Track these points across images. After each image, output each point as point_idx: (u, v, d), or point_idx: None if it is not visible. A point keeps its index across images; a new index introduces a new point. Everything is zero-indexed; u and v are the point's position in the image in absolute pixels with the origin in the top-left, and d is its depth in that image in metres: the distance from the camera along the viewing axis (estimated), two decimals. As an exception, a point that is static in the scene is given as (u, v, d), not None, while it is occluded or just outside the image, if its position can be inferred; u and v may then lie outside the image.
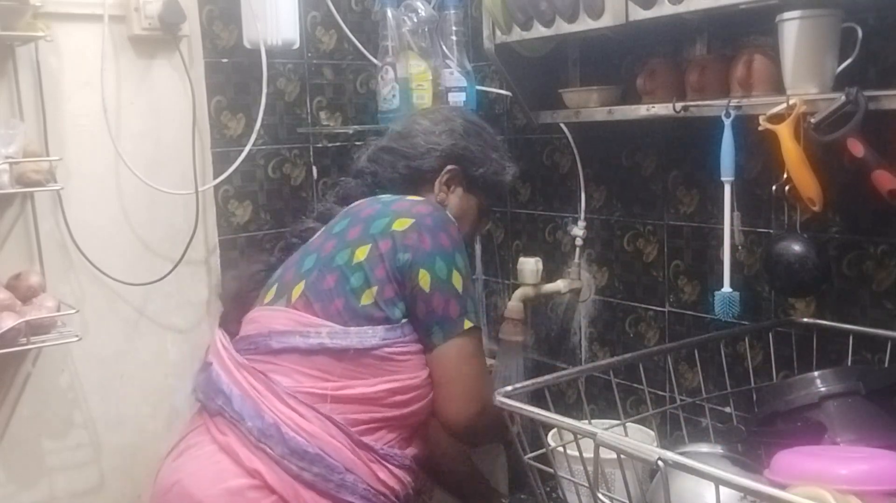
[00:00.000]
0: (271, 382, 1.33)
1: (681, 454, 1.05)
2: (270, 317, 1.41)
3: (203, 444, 1.34)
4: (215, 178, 1.88)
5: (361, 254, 1.37)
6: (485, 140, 1.60)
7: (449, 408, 1.37)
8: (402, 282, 1.35)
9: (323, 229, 1.50)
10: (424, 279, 1.34)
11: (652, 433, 1.53)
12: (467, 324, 1.36)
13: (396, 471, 1.37)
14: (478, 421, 1.37)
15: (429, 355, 1.37)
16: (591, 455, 1.10)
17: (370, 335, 1.33)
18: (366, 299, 1.35)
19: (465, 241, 1.52)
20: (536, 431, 1.26)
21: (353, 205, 1.51)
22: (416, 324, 1.37)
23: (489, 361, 1.78)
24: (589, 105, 1.71)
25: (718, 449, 1.35)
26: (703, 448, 1.37)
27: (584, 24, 1.54)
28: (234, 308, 1.53)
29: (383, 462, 1.35)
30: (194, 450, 1.35)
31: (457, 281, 1.36)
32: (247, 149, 1.88)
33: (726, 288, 1.48)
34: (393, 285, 1.35)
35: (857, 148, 1.26)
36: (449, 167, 1.54)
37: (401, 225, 1.37)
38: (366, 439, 1.33)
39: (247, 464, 1.28)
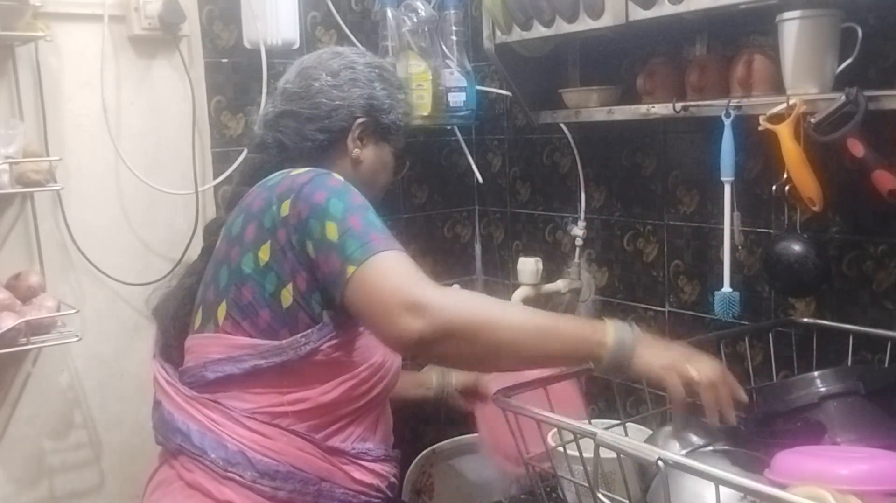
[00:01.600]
0: (226, 409, 1.27)
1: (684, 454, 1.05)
2: (203, 345, 1.33)
3: (172, 481, 1.31)
4: (215, 178, 1.88)
5: (265, 254, 1.26)
6: (389, 82, 1.46)
7: (384, 339, 1.21)
8: (306, 267, 1.24)
9: (223, 231, 1.36)
10: (310, 248, 1.22)
11: (652, 433, 1.52)
12: (350, 270, 1.18)
13: (372, 465, 1.34)
14: (411, 330, 1.14)
15: (344, 311, 1.24)
16: (591, 455, 1.10)
17: (303, 343, 1.25)
18: (286, 300, 1.26)
19: (384, 191, 1.46)
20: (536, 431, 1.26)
21: (244, 196, 1.36)
22: (326, 296, 1.25)
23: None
24: (589, 105, 1.71)
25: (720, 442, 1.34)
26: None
27: (584, 24, 1.54)
28: (172, 328, 1.42)
29: (356, 461, 1.32)
30: (165, 486, 1.32)
31: (330, 231, 1.20)
32: (247, 149, 1.88)
33: (726, 288, 1.48)
34: (302, 275, 1.25)
35: (857, 148, 1.26)
36: (359, 121, 1.40)
37: (285, 208, 1.25)
38: (334, 443, 1.30)
39: (218, 497, 1.25)
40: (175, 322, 1.42)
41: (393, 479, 1.39)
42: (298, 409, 1.28)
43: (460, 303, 1.17)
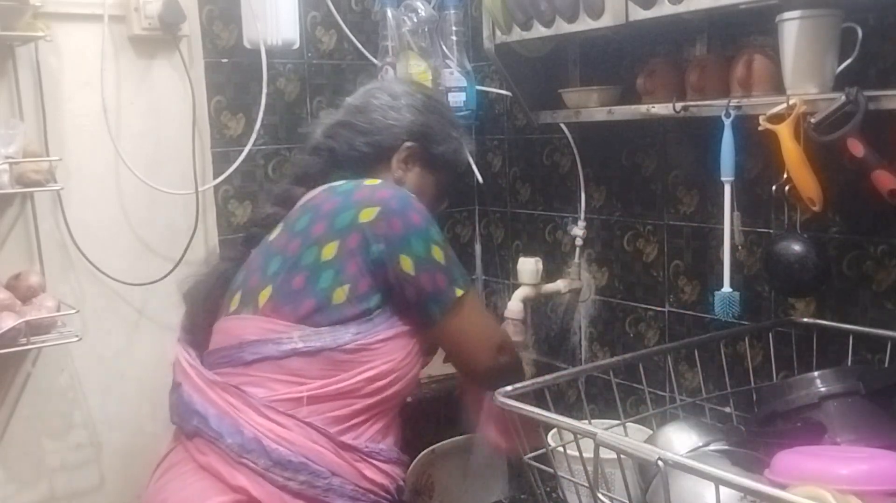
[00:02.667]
0: (246, 395, 1.30)
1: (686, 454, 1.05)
2: (240, 326, 1.37)
3: (185, 463, 1.32)
4: (215, 178, 1.88)
5: (329, 251, 1.32)
6: (445, 117, 1.55)
7: (470, 367, 1.42)
8: (377, 275, 1.32)
9: (282, 226, 1.44)
10: (407, 263, 1.32)
11: (652, 433, 1.52)
12: (459, 293, 1.35)
13: (383, 466, 1.35)
14: (498, 365, 1.41)
15: (432, 331, 1.37)
16: (591, 455, 1.10)
17: (342, 332, 1.31)
18: (337, 298, 1.31)
19: None
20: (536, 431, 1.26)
21: (310, 197, 1.44)
22: (407, 308, 1.35)
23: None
24: (589, 105, 1.71)
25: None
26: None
27: (584, 24, 1.54)
28: (202, 311, 1.47)
29: (368, 460, 1.33)
30: (176, 468, 1.33)
31: (437, 254, 1.34)
32: (247, 149, 1.88)
33: (726, 288, 1.48)
34: (367, 279, 1.32)
35: (857, 148, 1.26)
36: (408, 144, 1.48)
37: (367, 215, 1.32)
38: (347, 439, 1.31)
39: (230, 482, 1.26)
40: (206, 303, 1.47)
41: (401, 482, 1.41)
42: (315, 395, 1.30)
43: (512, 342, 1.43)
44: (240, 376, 1.32)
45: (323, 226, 1.35)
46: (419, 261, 1.32)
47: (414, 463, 1.75)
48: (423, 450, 1.79)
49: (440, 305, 1.34)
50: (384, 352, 1.34)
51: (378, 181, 1.42)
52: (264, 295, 1.35)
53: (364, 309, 1.32)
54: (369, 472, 1.33)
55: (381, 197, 1.35)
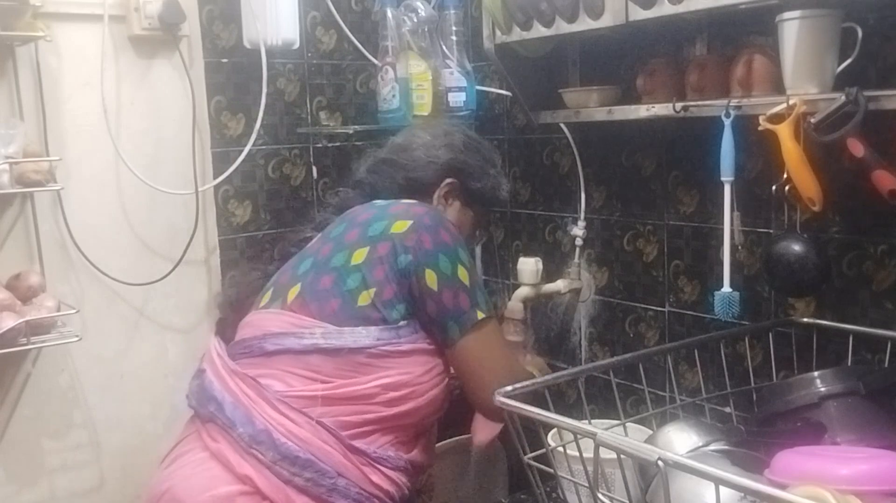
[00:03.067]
0: (262, 388, 1.32)
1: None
2: (266, 319, 1.41)
3: (195, 451, 1.34)
4: (215, 178, 1.88)
5: (359, 256, 1.37)
6: (483, 155, 1.61)
7: (482, 397, 1.37)
8: (403, 284, 1.35)
9: (319, 235, 1.50)
10: (431, 278, 1.34)
11: (652, 433, 1.52)
12: (480, 315, 1.36)
13: (390, 473, 1.36)
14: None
15: (449, 351, 1.38)
16: (591, 455, 1.10)
17: (364, 335, 1.33)
18: (363, 300, 1.34)
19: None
20: (536, 431, 1.26)
21: (349, 210, 1.51)
22: (429, 324, 1.37)
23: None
24: (589, 105, 1.71)
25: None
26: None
27: (584, 24, 1.54)
28: (231, 313, 1.53)
29: (376, 465, 1.34)
30: (186, 456, 1.35)
31: (463, 275, 1.36)
32: (247, 149, 1.88)
33: (726, 288, 1.48)
34: (392, 286, 1.35)
35: (857, 148, 1.26)
36: (448, 180, 1.55)
37: (399, 227, 1.37)
38: (357, 443, 1.32)
39: (237, 470, 1.27)
40: (234, 308, 1.53)
41: (406, 491, 1.41)
42: (329, 396, 1.32)
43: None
44: (259, 367, 1.35)
45: (356, 233, 1.40)
46: (444, 277, 1.34)
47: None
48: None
49: (460, 324, 1.35)
50: (402, 363, 1.35)
51: (415, 201, 1.48)
52: (293, 292, 1.39)
53: (387, 315, 1.34)
54: (376, 478, 1.33)
55: (416, 212, 1.40)
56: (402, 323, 1.35)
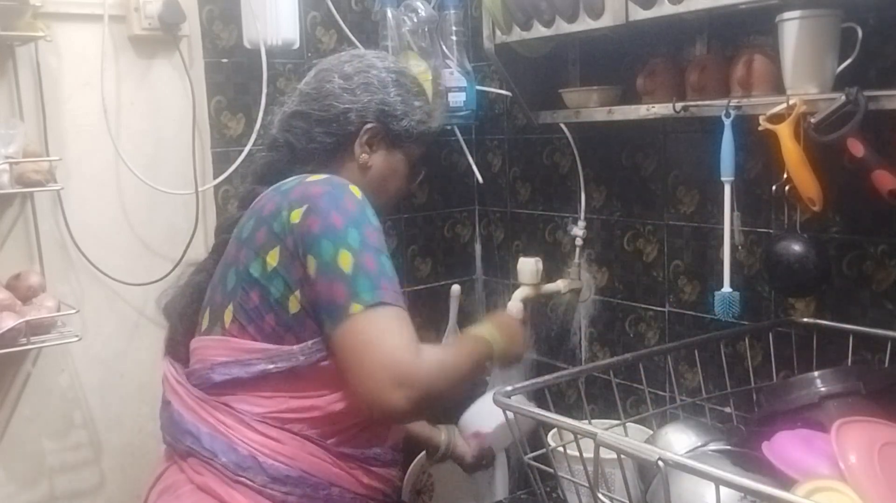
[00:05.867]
0: (236, 412, 1.25)
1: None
2: (209, 347, 1.31)
3: (182, 484, 1.28)
4: (215, 178, 1.88)
5: (273, 259, 1.24)
6: (406, 87, 1.42)
7: (365, 400, 1.19)
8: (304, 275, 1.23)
9: (234, 233, 1.34)
10: (311, 265, 1.20)
11: (652, 433, 1.53)
12: (355, 308, 1.17)
13: (379, 470, 1.33)
14: (405, 405, 1.16)
15: (329, 345, 1.23)
16: (591, 455, 1.10)
17: (313, 350, 1.23)
18: (293, 306, 1.23)
19: (398, 198, 1.44)
20: (536, 431, 1.26)
21: (257, 200, 1.34)
22: (313, 316, 1.23)
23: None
24: (589, 105, 1.71)
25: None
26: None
27: (584, 24, 1.54)
28: (180, 327, 1.41)
29: (365, 466, 1.31)
30: (174, 490, 1.29)
31: (344, 261, 1.19)
32: (247, 149, 1.88)
33: (726, 288, 1.48)
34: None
35: (857, 148, 1.26)
36: (367, 126, 1.37)
37: (296, 216, 1.23)
38: (344, 449, 1.28)
39: (228, 501, 1.23)
40: (182, 319, 1.41)
41: (398, 483, 1.40)
42: (309, 417, 1.26)
43: (438, 372, 1.20)
44: (223, 395, 1.28)
45: (264, 231, 1.27)
46: (321, 265, 1.20)
47: (414, 463, 1.75)
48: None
49: (332, 317, 1.19)
50: None
51: (323, 176, 1.31)
52: (228, 314, 1.29)
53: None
54: (367, 479, 1.31)
55: (312, 193, 1.25)
56: None
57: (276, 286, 1.24)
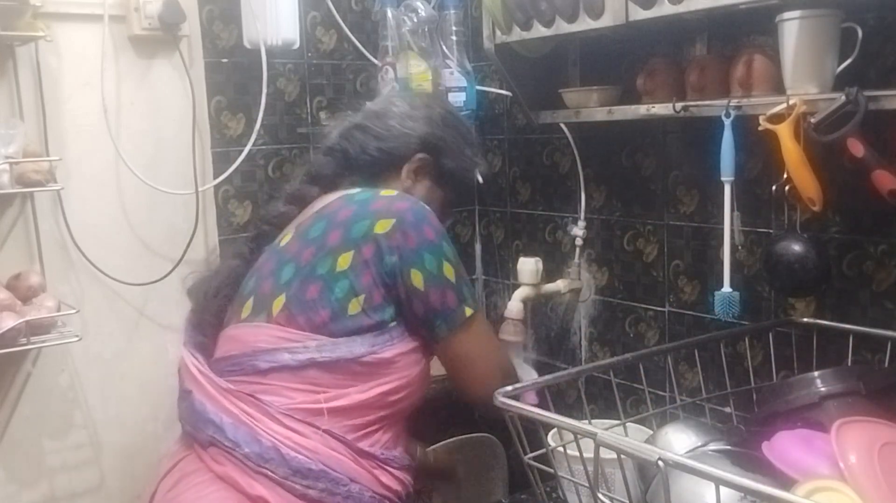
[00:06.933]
0: (262, 404, 1.28)
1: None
2: (253, 334, 1.34)
3: (200, 472, 1.29)
4: (215, 178, 1.88)
5: (344, 261, 1.31)
6: (461, 134, 1.53)
7: (473, 390, 1.37)
8: (390, 286, 1.32)
9: (295, 232, 1.41)
10: (417, 278, 1.31)
11: (652, 433, 1.52)
12: (468, 312, 1.34)
13: (397, 473, 1.36)
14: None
15: (437, 346, 1.36)
16: (591, 455, 1.10)
17: (359, 343, 1.30)
18: (353, 308, 1.30)
19: None
20: (536, 431, 1.26)
21: (324, 204, 1.42)
22: (416, 322, 1.34)
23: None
24: (589, 105, 1.71)
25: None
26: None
27: (584, 24, 1.54)
28: (212, 308, 1.44)
29: (385, 466, 1.34)
30: (191, 477, 1.30)
31: (448, 271, 1.33)
32: (247, 149, 1.88)
33: (726, 288, 1.48)
34: (380, 290, 1.31)
35: (857, 148, 1.26)
36: (420, 155, 1.47)
37: (382, 227, 1.31)
38: (364, 446, 1.31)
39: (249, 492, 1.24)
40: (216, 300, 1.44)
41: (410, 489, 1.41)
42: (334, 407, 1.29)
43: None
44: (254, 384, 1.30)
45: (338, 235, 1.33)
46: (429, 276, 1.31)
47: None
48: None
49: (448, 322, 1.33)
50: (400, 368, 1.33)
51: (395, 192, 1.41)
52: (278, 303, 1.33)
53: (379, 321, 1.31)
54: (385, 479, 1.33)
55: (399, 209, 1.34)
56: (391, 324, 1.33)
57: (340, 287, 1.31)
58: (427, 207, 1.39)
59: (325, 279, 1.31)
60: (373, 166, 1.47)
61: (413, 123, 1.48)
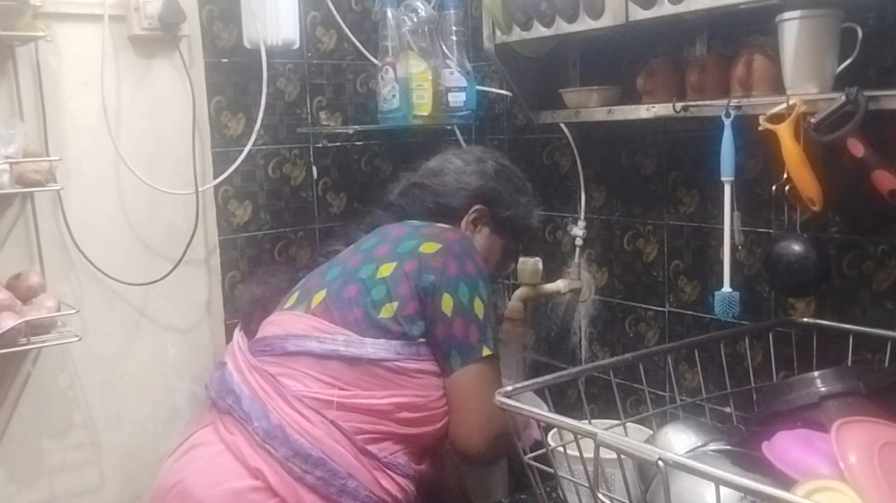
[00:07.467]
0: (280, 385, 1.35)
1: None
2: (289, 320, 1.44)
3: (210, 444, 1.36)
4: (215, 178, 1.88)
5: (386, 270, 1.39)
6: (514, 184, 1.64)
7: (463, 434, 1.39)
8: (423, 302, 1.37)
9: (353, 246, 1.54)
10: (447, 303, 1.36)
11: (652, 433, 1.52)
12: (485, 352, 1.37)
13: (399, 479, 1.37)
14: (492, 446, 1.39)
15: (446, 379, 1.39)
16: (591, 455, 1.10)
17: (385, 347, 1.35)
18: (385, 313, 1.37)
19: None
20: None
21: (383, 226, 1.55)
22: (434, 347, 1.38)
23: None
24: (589, 105, 1.71)
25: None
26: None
27: (584, 24, 1.54)
28: (254, 311, 1.57)
29: (386, 470, 1.35)
30: (199, 449, 1.37)
31: (478, 308, 1.38)
32: (247, 149, 1.88)
33: (726, 288, 1.48)
34: (415, 303, 1.37)
35: (857, 148, 1.26)
36: (477, 207, 1.58)
37: (428, 248, 1.40)
38: (370, 447, 1.34)
39: (250, 463, 1.29)
40: (257, 305, 1.58)
41: (412, 499, 1.42)
42: (345, 403, 1.33)
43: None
44: (278, 366, 1.37)
45: (387, 248, 1.44)
46: (459, 305, 1.36)
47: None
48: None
49: (462, 355, 1.37)
50: (420, 384, 1.37)
51: (449, 226, 1.52)
52: (318, 297, 1.43)
53: (408, 331, 1.36)
54: (385, 482, 1.35)
55: (447, 237, 1.43)
56: (421, 340, 1.37)
57: (377, 291, 1.39)
58: (475, 246, 1.48)
59: (365, 282, 1.39)
60: (430, 217, 1.56)
61: (467, 178, 1.59)
